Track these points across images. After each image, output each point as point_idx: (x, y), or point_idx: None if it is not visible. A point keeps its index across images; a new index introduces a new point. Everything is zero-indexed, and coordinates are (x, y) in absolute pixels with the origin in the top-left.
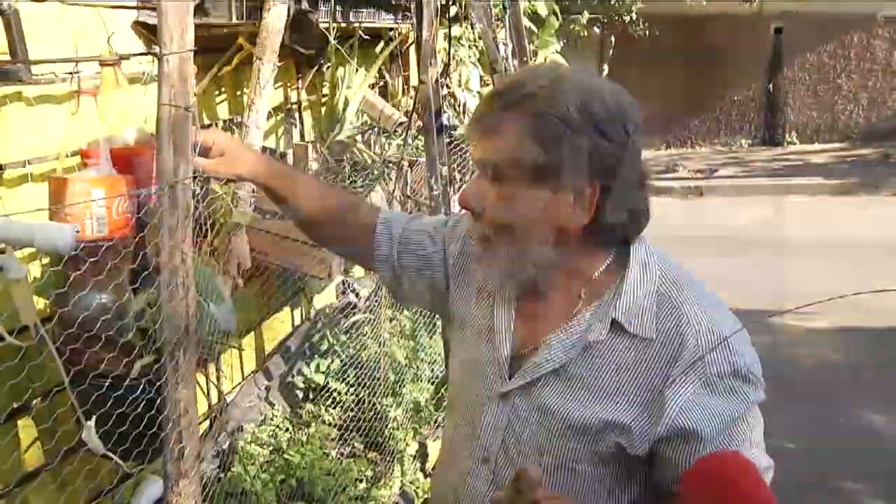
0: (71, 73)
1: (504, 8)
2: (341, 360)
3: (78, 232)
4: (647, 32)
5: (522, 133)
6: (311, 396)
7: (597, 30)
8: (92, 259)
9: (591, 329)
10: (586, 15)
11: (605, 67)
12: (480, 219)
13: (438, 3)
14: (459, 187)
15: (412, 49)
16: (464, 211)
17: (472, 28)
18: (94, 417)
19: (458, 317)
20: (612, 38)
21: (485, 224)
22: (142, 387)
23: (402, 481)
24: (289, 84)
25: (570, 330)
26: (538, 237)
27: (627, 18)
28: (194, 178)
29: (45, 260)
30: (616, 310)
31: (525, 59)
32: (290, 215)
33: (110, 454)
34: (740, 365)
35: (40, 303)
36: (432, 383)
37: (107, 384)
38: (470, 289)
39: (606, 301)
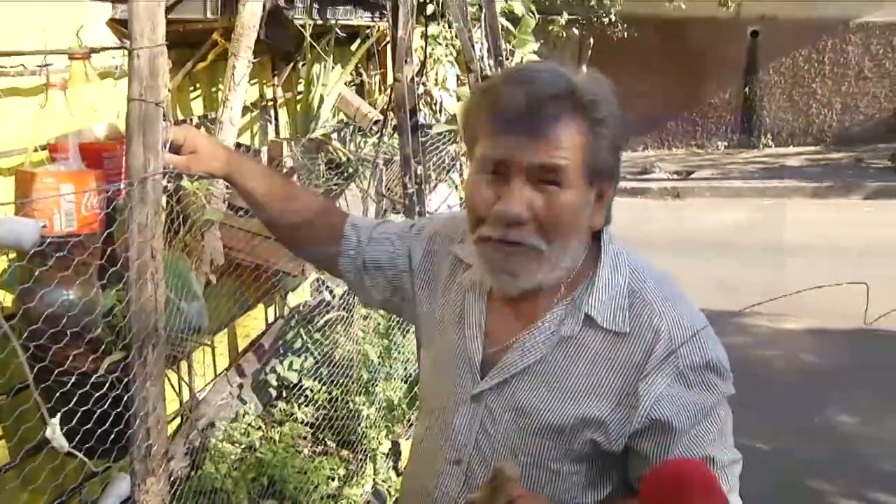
0: (40, 66)
1: (480, 7)
2: (315, 359)
3: (45, 227)
4: (626, 34)
5: (587, 138)
6: (284, 394)
7: (576, 31)
8: (59, 254)
9: (564, 324)
10: (565, 16)
11: (584, 69)
12: (524, 225)
13: (415, 2)
14: (434, 186)
15: (389, 47)
16: (435, 213)
17: (449, 27)
18: (59, 415)
19: (426, 319)
20: (591, 40)
21: (528, 231)
22: (109, 384)
23: (374, 480)
24: (264, 81)
25: (543, 326)
26: (576, 239)
27: (607, 20)
28: (165, 174)
29: (12, 255)
30: (588, 304)
31: (500, 58)
32: (259, 214)
33: (75, 452)
34: (712, 358)
35: (6, 299)
36: (406, 382)
37: (73, 381)
38: (437, 291)
39: (578, 296)
